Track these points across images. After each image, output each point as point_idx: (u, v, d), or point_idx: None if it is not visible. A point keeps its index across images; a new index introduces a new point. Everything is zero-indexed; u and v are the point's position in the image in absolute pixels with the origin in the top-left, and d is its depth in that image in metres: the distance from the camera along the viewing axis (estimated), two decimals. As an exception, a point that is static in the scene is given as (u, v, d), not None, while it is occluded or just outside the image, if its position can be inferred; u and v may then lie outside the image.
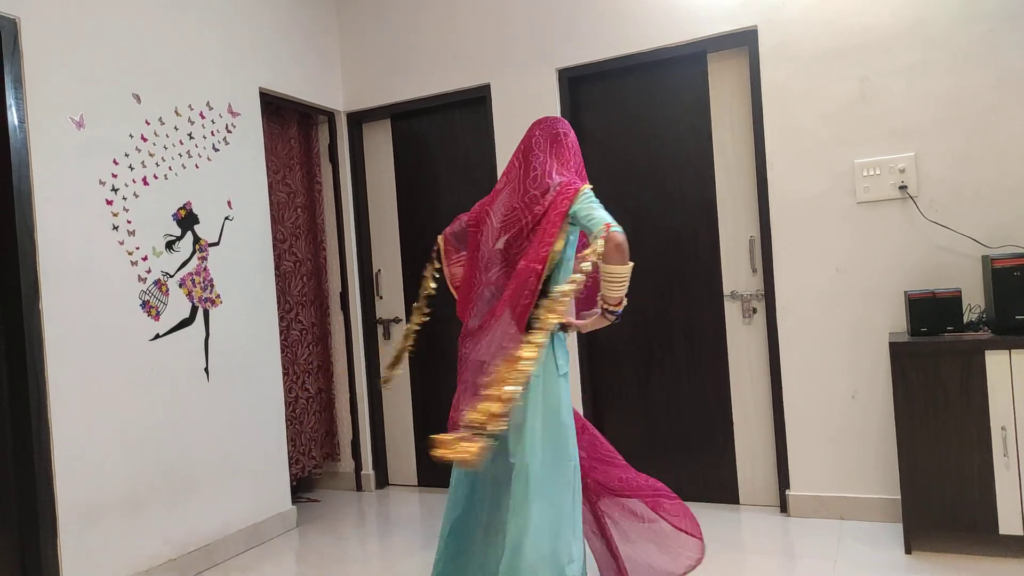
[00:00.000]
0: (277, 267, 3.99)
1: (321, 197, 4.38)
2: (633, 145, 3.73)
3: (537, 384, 2.21)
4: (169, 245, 3.16)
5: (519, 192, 2.31)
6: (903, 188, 3.11)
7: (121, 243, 2.95)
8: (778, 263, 3.35)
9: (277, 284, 3.95)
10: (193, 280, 3.26)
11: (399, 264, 4.35)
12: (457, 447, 1.81)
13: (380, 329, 4.39)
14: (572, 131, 2.42)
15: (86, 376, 2.78)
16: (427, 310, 2.71)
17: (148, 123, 3.10)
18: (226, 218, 3.46)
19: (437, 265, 2.72)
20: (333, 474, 4.44)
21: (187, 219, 3.25)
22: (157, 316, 3.07)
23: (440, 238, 2.72)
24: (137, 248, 3.01)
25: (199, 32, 3.38)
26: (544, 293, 2.19)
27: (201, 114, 3.35)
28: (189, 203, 3.27)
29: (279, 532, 3.62)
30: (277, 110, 4.09)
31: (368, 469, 4.34)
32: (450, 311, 4.17)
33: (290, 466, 3.92)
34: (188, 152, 3.28)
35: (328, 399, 4.35)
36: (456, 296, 2.57)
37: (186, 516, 3.14)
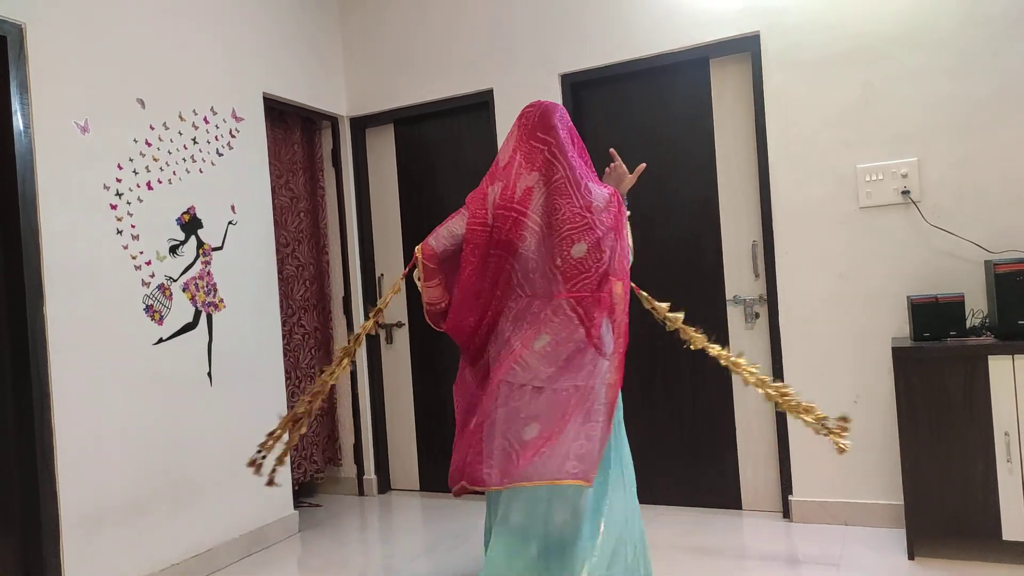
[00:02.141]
0: (280, 271, 4.00)
1: (324, 202, 4.39)
2: (636, 150, 3.72)
3: None
4: (173, 249, 3.17)
5: (577, 199, 2.21)
6: (906, 193, 3.11)
7: (125, 247, 2.96)
8: (780, 268, 3.35)
9: (280, 288, 3.96)
10: (196, 284, 3.26)
11: (402, 269, 4.36)
12: None
13: (383, 334, 4.40)
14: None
15: (89, 380, 2.78)
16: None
17: (152, 128, 3.11)
18: (229, 223, 3.47)
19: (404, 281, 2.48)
20: (335, 479, 4.43)
21: (191, 224, 3.26)
22: (160, 320, 3.08)
23: (423, 257, 2.37)
24: (141, 252, 3.02)
25: (203, 38, 3.39)
26: None
27: (205, 119, 3.36)
28: (193, 208, 3.28)
29: (281, 537, 3.62)
30: (280, 115, 4.11)
31: (370, 474, 4.34)
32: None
33: (292, 471, 3.92)
34: (192, 157, 3.29)
35: (330, 404, 4.36)
36: (443, 310, 2.40)
37: (188, 521, 3.14)
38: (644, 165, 2.57)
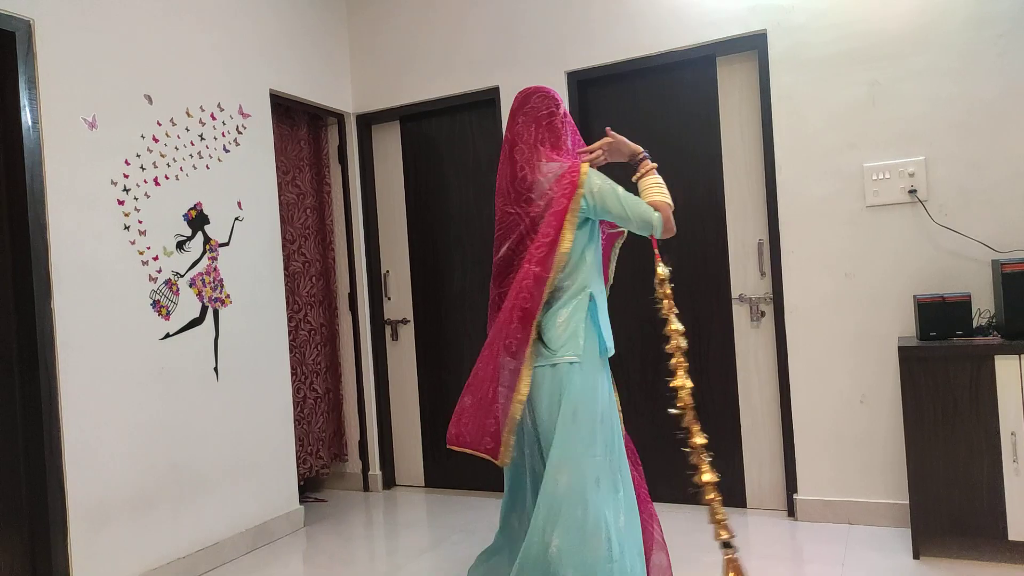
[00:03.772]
0: (286, 268, 4.01)
1: (330, 198, 4.39)
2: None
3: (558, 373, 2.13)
4: (180, 245, 3.18)
5: (511, 195, 2.23)
6: (913, 192, 3.10)
7: (132, 243, 2.97)
8: (786, 266, 3.34)
9: (286, 285, 3.97)
10: (203, 280, 3.27)
11: (407, 265, 4.37)
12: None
13: (388, 330, 4.41)
14: (560, 102, 2.29)
15: (97, 375, 2.80)
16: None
17: (160, 124, 3.12)
18: (236, 219, 3.48)
19: None
20: (340, 474, 4.45)
21: (198, 219, 3.27)
22: (167, 316, 3.09)
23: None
24: (148, 248, 3.03)
25: (210, 34, 3.40)
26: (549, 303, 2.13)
27: (212, 115, 3.37)
28: (200, 203, 3.29)
29: (286, 532, 3.63)
30: (287, 111, 4.11)
31: (375, 469, 4.35)
32: (457, 311, 4.21)
33: (298, 466, 3.93)
34: (199, 153, 3.30)
35: (336, 399, 4.37)
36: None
37: (194, 515, 3.16)
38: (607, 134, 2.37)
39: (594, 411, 2.13)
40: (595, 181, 2.14)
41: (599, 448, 2.12)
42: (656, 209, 2.17)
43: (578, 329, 2.14)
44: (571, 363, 2.12)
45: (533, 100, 2.28)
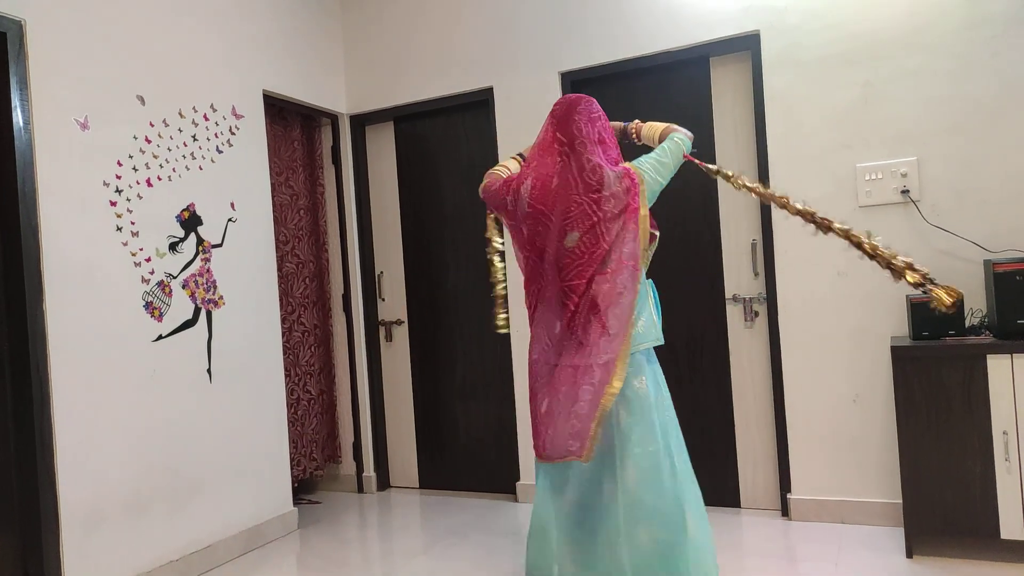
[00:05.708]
0: (280, 269, 4.00)
1: (324, 199, 4.39)
2: (635, 148, 3.72)
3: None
4: (172, 246, 3.17)
5: (579, 186, 2.25)
6: (905, 192, 3.12)
7: (125, 244, 2.96)
8: (780, 267, 3.35)
9: (279, 286, 3.96)
10: (196, 281, 3.26)
11: (401, 266, 4.36)
12: None
13: (382, 331, 4.40)
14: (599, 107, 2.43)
15: (89, 377, 2.78)
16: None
17: (152, 125, 3.11)
18: (229, 220, 3.47)
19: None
20: (334, 476, 4.44)
21: (190, 221, 3.26)
22: (160, 317, 3.08)
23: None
24: (141, 249, 3.02)
25: (203, 35, 3.39)
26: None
27: (205, 116, 3.36)
28: (192, 205, 3.28)
29: (280, 534, 3.62)
30: (280, 112, 4.10)
31: (369, 471, 4.34)
32: (451, 312, 4.20)
33: (291, 468, 3.92)
34: (192, 154, 3.29)
35: (330, 401, 4.36)
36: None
37: (188, 518, 3.14)
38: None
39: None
40: (645, 176, 2.32)
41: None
42: (672, 132, 2.56)
43: (651, 316, 2.35)
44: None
45: (584, 103, 2.37)
